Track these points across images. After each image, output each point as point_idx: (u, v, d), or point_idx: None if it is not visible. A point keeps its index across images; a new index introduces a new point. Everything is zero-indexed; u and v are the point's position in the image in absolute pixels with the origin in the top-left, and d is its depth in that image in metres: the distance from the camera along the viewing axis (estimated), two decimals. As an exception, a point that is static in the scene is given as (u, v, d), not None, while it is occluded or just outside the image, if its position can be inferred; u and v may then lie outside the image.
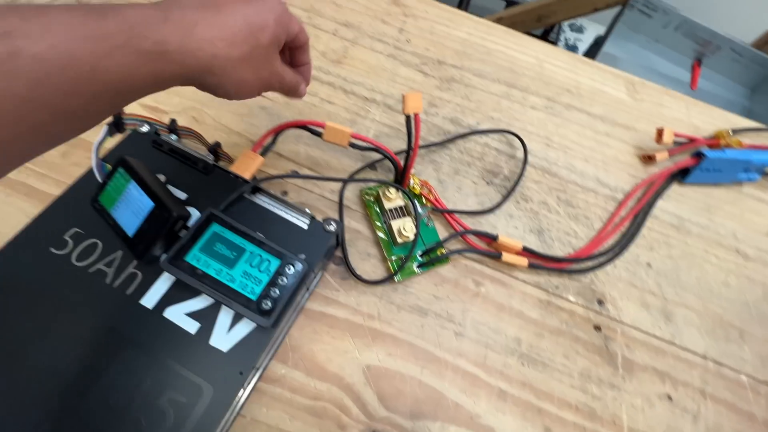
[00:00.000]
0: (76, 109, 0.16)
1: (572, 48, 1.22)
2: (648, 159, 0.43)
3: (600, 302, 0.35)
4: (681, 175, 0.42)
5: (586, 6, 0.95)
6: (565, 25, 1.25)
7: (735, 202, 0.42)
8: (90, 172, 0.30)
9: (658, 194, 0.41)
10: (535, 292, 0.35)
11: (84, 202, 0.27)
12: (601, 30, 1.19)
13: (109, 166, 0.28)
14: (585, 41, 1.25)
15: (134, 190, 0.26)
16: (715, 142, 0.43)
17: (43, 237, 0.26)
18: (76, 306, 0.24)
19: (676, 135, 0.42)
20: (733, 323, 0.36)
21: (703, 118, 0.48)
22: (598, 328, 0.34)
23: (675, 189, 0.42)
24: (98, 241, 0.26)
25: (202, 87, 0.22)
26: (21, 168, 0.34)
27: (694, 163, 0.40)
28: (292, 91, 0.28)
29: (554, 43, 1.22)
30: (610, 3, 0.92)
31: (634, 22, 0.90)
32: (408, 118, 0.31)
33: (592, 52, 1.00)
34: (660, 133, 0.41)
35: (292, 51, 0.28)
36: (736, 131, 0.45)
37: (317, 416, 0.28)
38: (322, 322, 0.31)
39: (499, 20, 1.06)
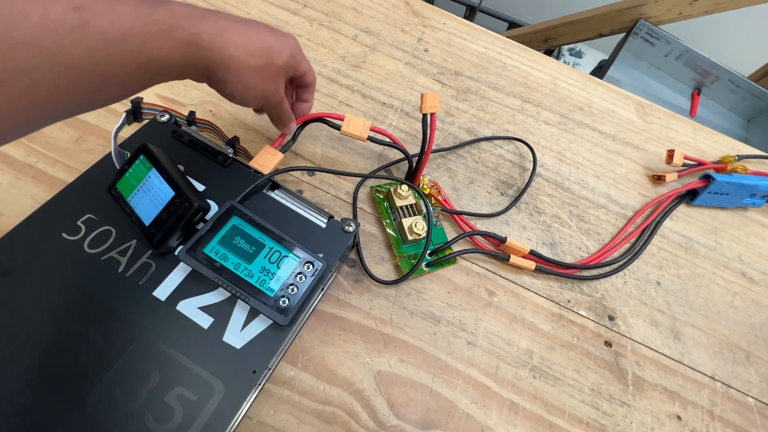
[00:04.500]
0: (120, 78, 0.19)
1: (572, 71, 1.24)
2: (658, 179, 0.43)
3: (611, 318, 0.35)
4: (689, 196, 0.42)
5: (591, 31, 0.98)
6: (565, 49, 1.29)
7: (740, 226, 0.43)
8: (105, 159, 0.29)
9: (666, 213, 0.41)
10: (547, 304, 0.34)
11: (99, 188, 0.27)
12: (599, 56, 1.22)
13: (128, 154, 0.27)
14: (583, 66, 1.27)
15: (155, 178, 0.25)
16: (722, 166, 0.44)
17: (56, 221, 0.25)
18: (86, 294, 0.24)
19: (686, 158, 0.43)
20: (740, 345, 0.36)
21: (709, 143, 0.49)
22: (608, 343, 0.34)
23: (683, 210, 0.42)
24: (112, 229, 0.26)
25: (215, 82, 0.24)
26: (31, 152, 0.33)
27: (703, 186, 0.41)
28: (283, 120, 0.30)
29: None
30: (615, 29, 0.94)
31: (638, 49, 0.93)
32: (425, 116, 0.32)
33: (596, 75, 1.03)
34: (671, 154, 0.42)
35: (299, 88, 0.31)
36: (741, 157, 0.46)
37: (326, 421, 0.27)
38: (333, 325, 0.30)
39: (506, 39, 1.08)
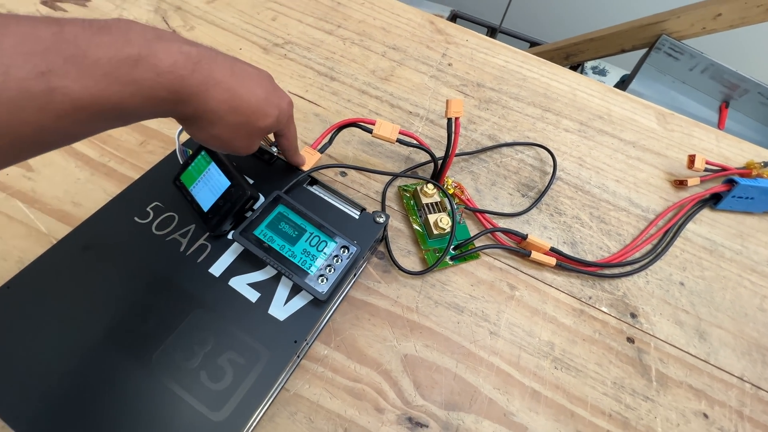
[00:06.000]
0: (87, 134, 0.18)
1: (596, 88, 1.25)
2: (680, 184, 0.44)
3: (633, 315, 0.35)
4: (713, 200, 0.43)
5: (613, 47, 0.99)
6: (588, 68, 1.30)
7: (768, 231, 0.43)
8: (168, 157, 0.33)
9: (688, 216, 0.42)
10: (568, 300, 0.35)
11: (164, 180, 0.31)
12: (622, 72, 1.23)
13: (190, 151, 0.31)
14: (607, 83, 1.28)
15: (214, 171, 0.29)
16: (746, 172, 0.44)
17: (130, 207, 0.29)
18: (153, 269, 0.27)
19: (708, 163, 0.43)
20: (771, 348, 0.35)
21: (734, 150, 0.49)
22: (631, 340, 0.34)
23: (707, 214, 0.43)
24: (175, 215, 0.29)
25: (185, 122, 0.22)
26: (104, 153, 0.38)
27: (726, 190, 0.42)
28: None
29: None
30: (637, 45, 0.96)
31: (661, 64, 0.93)
32: (449, 120, 0.34)
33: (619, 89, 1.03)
34: (692, 159, 0.42)
35: (277, 136, 0.29)
36: (767, 164, 0.46)
37: (356, 397, 0.29)
38: (363, 310, 0.33)
39: (527, 57, 1.11)
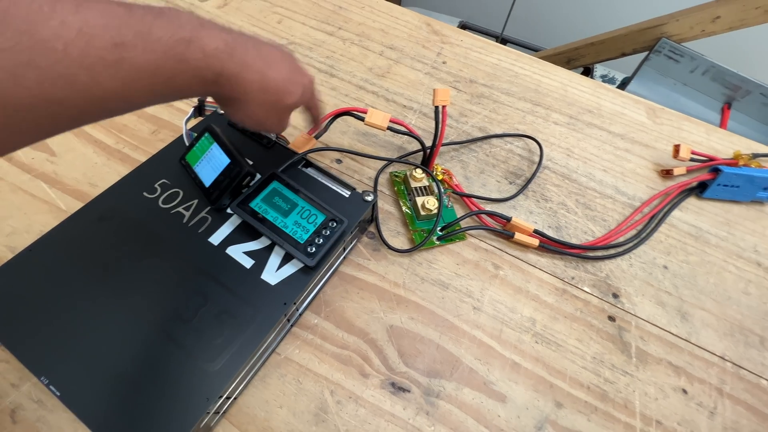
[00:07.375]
0: (142, 103, 0.20)
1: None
2: (666, 173, 0.45)
3: (615, 296, 0.37)
4: (699, 189, 0.44)
5: (613, 51, 1.01)
6: (598, 76, 1.32)
7: (756, 219, 0.43)
8: (175, 141, 0.36)
9: (674, 204, 0.43)
10: (551, 280, 0.37)
11: (171, 161, 0.34)
12: (624, 77, 1.23)
13: (195, 134, 0.34)
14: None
15: (216, 150, 0.31)
16: (733, 162, 0.45)
17: (139, 184, 0.32)
18: (158, 238, 0.30)
19: (694, 153, 0.44)
20: (754, 330, 0.36)
21: (724, 143, 0.50)
22: (612, 318, 0.35)
23: (693, 202, 0.44)
24: (180, 191, 0.32)
25: (218, 101, 0.26)
26: (119, 140, 0.42)
27: (711, 178, 0.42)
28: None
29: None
30: (637, 48, 0.97)
31: (662, 67, 0.94)
32: (437, 108, 0.37)
33: (620, 92, 1.04)
34: (677, 148, 0.44)
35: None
36: (756, 155, 0.47)
37: (343, 363, 0.31)
38: (353, 285, 0.35)
39: (529, 61, 1.13)
